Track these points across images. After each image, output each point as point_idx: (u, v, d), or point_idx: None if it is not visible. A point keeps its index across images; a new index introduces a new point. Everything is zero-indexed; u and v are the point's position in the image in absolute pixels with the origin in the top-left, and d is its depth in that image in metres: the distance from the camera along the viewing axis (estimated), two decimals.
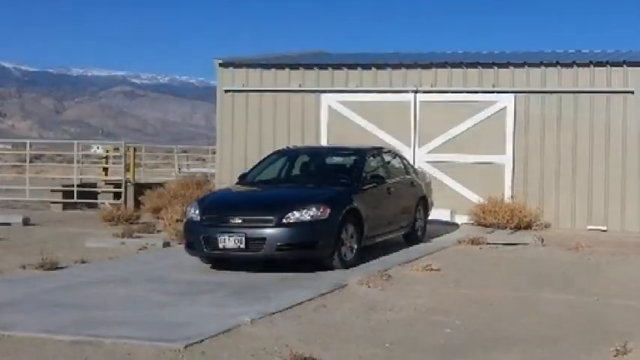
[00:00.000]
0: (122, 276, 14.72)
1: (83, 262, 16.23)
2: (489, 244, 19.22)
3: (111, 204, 26.62)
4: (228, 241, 14.99)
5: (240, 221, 15.20)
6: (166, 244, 18.86)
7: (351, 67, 25.11)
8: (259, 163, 18.99)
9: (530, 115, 23.36)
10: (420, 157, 23.91)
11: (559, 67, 23.31)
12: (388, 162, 19.15)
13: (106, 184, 30.06)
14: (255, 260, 15.38)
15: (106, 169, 32.13)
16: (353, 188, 16.80)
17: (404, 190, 18.99)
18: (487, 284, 14.34)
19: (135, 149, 31.72)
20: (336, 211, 15.57)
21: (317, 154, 19.63)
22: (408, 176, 19.66)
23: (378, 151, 19.13)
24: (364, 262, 16.10)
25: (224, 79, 26.03)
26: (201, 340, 9.90)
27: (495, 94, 23.67)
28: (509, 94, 23.52)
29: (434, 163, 23.92)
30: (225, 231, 15.08)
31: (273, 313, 11.54)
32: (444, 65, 24.31)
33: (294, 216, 15.21)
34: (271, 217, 15.19)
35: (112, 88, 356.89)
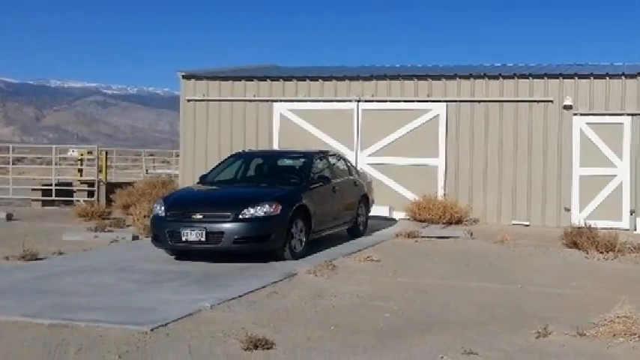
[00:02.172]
0: (95, 266, 14.59)
1: (60, 253, 16.11)
2: (424, 237, 19.25)
3: (85, 201, 26.39)
4: (190, 235, 14.92)
5: (201, 217, 15.15)
6: (135, 238, 18.72)
7: (300, 79, 25.08)
8: (218, 164, 18.94)
9: (460, 121, 23.46)
10: (362, 160, 23.94)
11: (486, 79, 23.43)
12: (333, 164, 19.15)
13: (81, 183, 29.85)
14: (214, 252, 15.28)
15: (80, 170, 31.79)
16: (302, 187, 16.78)
17: (347, 189, 18.98)
18: (422, 273, 14.35)
19: (107, 152, 31.64)
20: (287, 208, 15.54)
21: (270, 156, 19.56)
22: (351, 176, 19.65)
23: (324, 154, 19.11)
24: (312, 254, 16.06)
25: (187, 89, 25.95)
26: (166, 324, 9.85)
27: (429, 103, 23.73)
28: (441, 103, 23.60)
29: (374, 164, 23.96)
30: (187, 225, 15.00)
31: (231, 300, 11.50)
32: (383, 77, 24.34)
33: (250, 212, 15.15)
34: (229, 213, 15.13)
35: (87, 97, 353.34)
